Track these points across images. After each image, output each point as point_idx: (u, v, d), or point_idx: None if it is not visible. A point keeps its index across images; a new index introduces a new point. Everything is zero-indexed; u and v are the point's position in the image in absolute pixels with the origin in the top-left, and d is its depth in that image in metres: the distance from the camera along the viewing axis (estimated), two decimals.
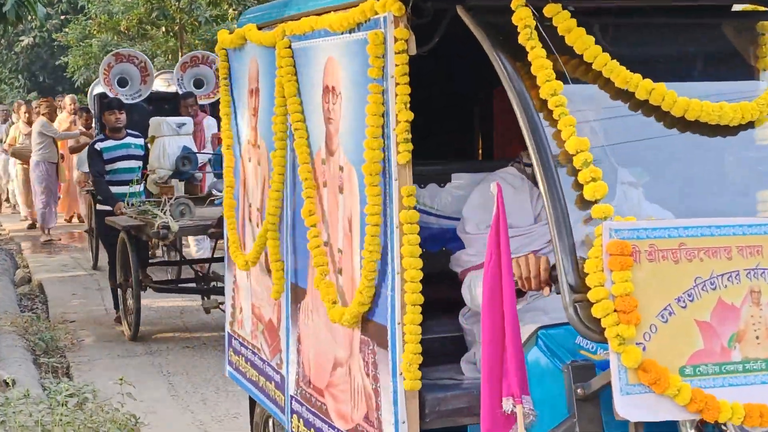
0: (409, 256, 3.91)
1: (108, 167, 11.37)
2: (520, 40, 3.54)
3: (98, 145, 11.47)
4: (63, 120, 18.83)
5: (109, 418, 6.47)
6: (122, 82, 14.90)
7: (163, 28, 21.61)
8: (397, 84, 3.93)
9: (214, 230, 10.20)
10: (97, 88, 16.15)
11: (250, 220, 5.71)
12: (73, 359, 9.92)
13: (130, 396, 6.77)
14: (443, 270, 4.51)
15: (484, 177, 4.55)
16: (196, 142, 13.83)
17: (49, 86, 36.21)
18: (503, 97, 5.63)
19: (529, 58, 3.51)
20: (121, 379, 6.74)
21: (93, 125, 16.65)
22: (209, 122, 14.53)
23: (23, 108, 19.98)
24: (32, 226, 19.33)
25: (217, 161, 12.17)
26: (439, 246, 4.83)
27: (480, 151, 5.88)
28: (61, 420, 6.25)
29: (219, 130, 14.35)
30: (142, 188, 11.73)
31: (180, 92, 15.05)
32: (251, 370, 5.80)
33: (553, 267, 3.59)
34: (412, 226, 3.91)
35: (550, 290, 3.60)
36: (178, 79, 15.40)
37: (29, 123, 19.08)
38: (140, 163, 11.68)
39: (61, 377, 8.80)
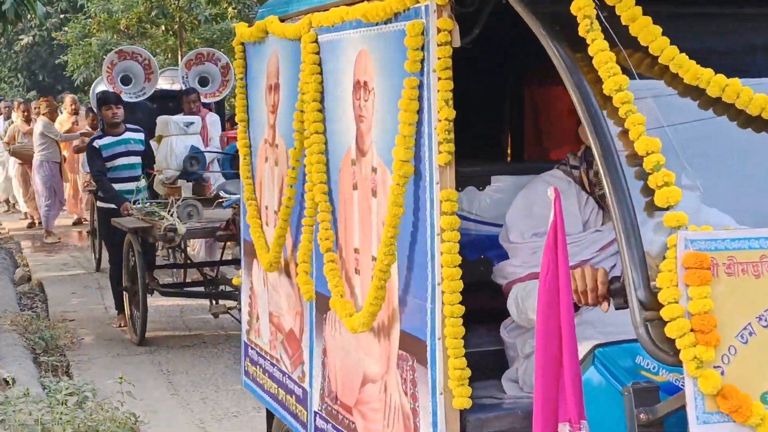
0: (449, 265, 3.62)
1: (108, 164, 11.01)
2: (580, 31, 3.24)
3: (97, 143, 11.11)
4: (64, 120, 18.41)
5: (108, 417, 6.43)
6: (126, 80, 14.44)
7: (163, 27, 21.62)
8: (438, 79, 3.63)
9: (223, 233, 9.92)
10: (99, 87, 15.61)
11: (267, 223, 5.45)
12: (72, 358, 9.92)
13: (129, 395, 6.71)
14: (481, 279, 4.22)
15: (529, 181, 4.23)
16: None
17: (48, 85, 36.18)
18: (533, 96, 5.43)
19: (590, 51, 3.19)
20: (121, 378, 6.70)
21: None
22: (212, 119, 14.13)
23: (21, 106, 19.81)
24: (32, 225, 19.11)
25: (226, 161, 11.81)
26: (477, 254, 4.51)
27: (509, 151, 5.60)
28: (60, 419, 6.19)
29: (223, 128, 14.14)
30: (144, 184, 11.38)
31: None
32: (269, 382, 5.52)
33: (612, 280, 3.31)
34: (453, 233, 3.62)
35: (609, 305, 3.31)
36: (182, 77, 14.82)
37: (27, 121, 18.96)
38: (140, 159, 11.31)
39: (61, 376, 8.81)
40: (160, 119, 12.54)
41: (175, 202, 10.22)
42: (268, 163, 5.40)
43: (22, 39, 35.89)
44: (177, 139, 12.11)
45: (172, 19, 20.67)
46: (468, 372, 3.64)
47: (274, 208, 5.28)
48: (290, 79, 4.93)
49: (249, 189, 5.67)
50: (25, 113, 19.27)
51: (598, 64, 3.17)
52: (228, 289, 10.39)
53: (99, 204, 11.59)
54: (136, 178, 11.17)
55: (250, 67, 5.69)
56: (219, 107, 15.15)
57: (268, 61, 5.33)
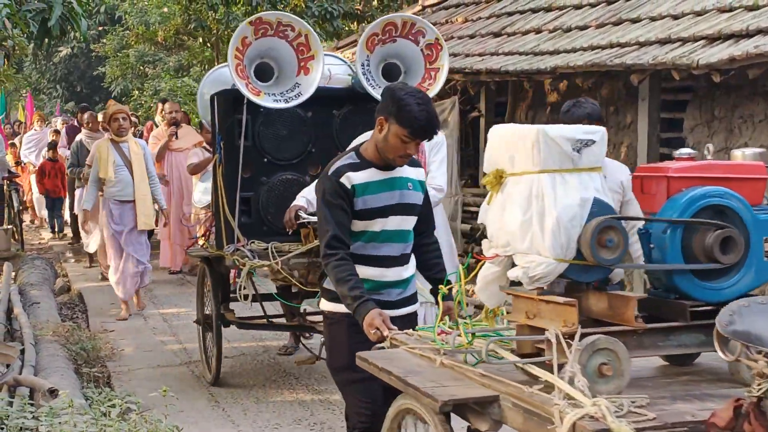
0: None
1: (363, 226, 5.49)
2: None
3: (348, 178, 5.45)
4: (160, 134, 14.75)
5: (152, 430, 6.47)
6: (263, 73, 8.42)
7: (200, 39, 21.63)
8: None
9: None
10: (215, 85, 9.31)
11: None
12: (113, 369, 9.90)
13: (173, 408, 6.79)
14: None
15: None
16: None
17: (86, 96, 36.61)
18: None
19: None
20: (165, 390, 6.71)
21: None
22: (435, 138, 6.05)
23: (86, 116, 15.66)
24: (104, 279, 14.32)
25: (674, 235, 4.40)
26: None
27: None
28: (104, 431, 6.24)
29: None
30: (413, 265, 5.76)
31: (366, 86, 8.42)
32: None
33: None
34: None
35: None
36: (363, 64, 8.38)
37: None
38: (416, 219, 5.69)
39: (102, 387, 8.75)
40: (498, 133, 4.68)
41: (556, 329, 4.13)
42: None
43: (61, 51, 36.39)
44: (556, 181, 4.36)
45: (209, 31, 20.58)
46: None
47: None
48: None
49: None
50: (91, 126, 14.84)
51: None
52: None
53: (329, 307, 5.67)
54: (408, 259, 5.72)
55: None
56: None
57: None
